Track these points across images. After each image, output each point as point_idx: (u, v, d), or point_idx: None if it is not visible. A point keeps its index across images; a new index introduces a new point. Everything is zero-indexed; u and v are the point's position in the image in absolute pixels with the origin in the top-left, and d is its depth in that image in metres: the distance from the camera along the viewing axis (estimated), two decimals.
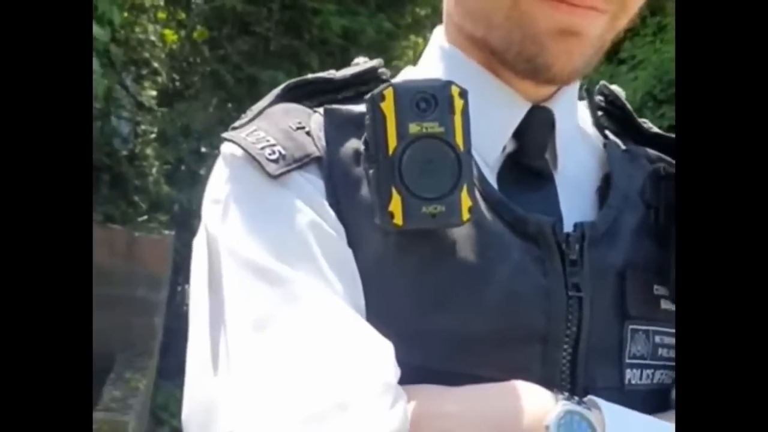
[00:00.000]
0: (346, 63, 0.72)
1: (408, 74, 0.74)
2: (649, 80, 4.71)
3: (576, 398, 0.60)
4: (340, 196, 0.64)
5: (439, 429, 0.58)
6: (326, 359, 0.57)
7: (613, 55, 5.46)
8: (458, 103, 0.62)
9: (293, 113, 0.67)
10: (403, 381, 0.59)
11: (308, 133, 0.65)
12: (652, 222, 0.69)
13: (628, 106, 0.77)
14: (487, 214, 0.65)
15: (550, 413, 0.58)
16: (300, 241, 0.61)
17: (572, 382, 0.64)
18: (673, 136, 0.73)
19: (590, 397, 0.61)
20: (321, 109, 0.68)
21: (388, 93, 0.61)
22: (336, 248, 0.62)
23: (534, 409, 0.58)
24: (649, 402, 0.67)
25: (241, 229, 0.61)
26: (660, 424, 0.62)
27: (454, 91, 0.62)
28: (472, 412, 0.59)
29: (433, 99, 0.61)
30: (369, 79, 0.69)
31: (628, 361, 0.66)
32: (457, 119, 0.61)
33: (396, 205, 0.60)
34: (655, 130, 0.78)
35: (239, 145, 0.64)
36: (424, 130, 0.61)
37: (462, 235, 0.63)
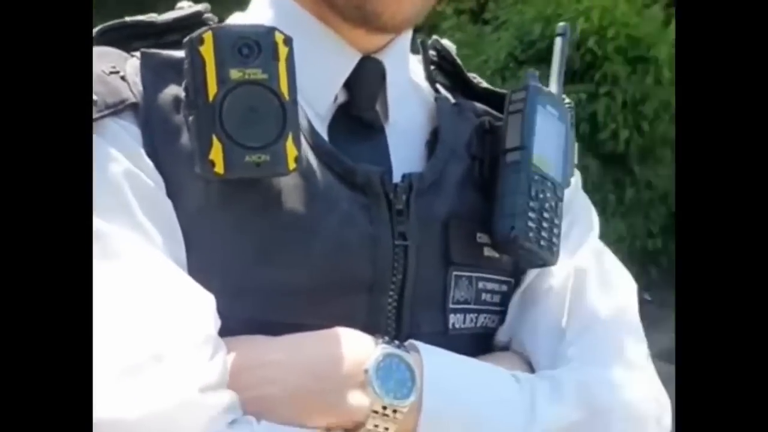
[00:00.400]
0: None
1: (236, 20, 0.72)
2: (512, 41, 4.81)
3: (396, 342, 0.61)
4: (158, 144, 0.61)
5: (259, 378, 0.58)
6: (143, 312, 0.56)
7: (477, 15, 5.56)
8: (282, 50, 0.60)
9: (107, 57, 0.63)
10: (230, 333, 0.59)
11: (123, 78, 0.62)
12: (476, 174, 0.71)
13: (458, 60, 0.79)
14: (315, 164, 0.64)
15: (370, 357, 0.59)
16: (115, 193, 0.59)
17: (397, 329, 0.65)
18: (502, 91, 0.76)
19: (411, 341, 0.62)
20: (137, 54, 0.65)
21: (208, 37, 0.59)
22: (154, 199, 0.60)
23: (354, 354, 0.59)
24: (473, 345, 0.69)
25: None
26: (476, 363, 0.64)
27: (278, 37, 0.60)
28: (292, 360, 0.59)
29: (256, 45, 0.59)
30: (193, 23, 0.66)
31: (451, 306, 0.68)
32: (282, 66, 0.60)
33: (217, 153, 0.59)
34: (485, 85, 0.79)
35: None
36: (246, 77, 0.59)
37: (289, 185, 0.63)
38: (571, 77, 4.88)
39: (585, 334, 0.68)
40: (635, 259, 4.97)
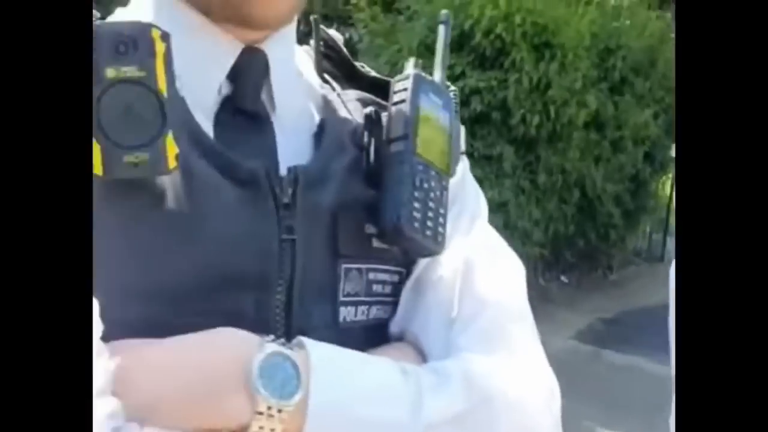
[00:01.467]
0: None
1: (118, 16, 0.70)
2: (424, 30, 4.85)
3: (282, 340, 0.61)
4: None
5: (143, 383, 0.57)
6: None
7: (390, 5, 5.58)
8: (159, 47, 0.59)
9: None
10: (122, 335, 0.58)
11: None
12: (363, 164, 0.71)
13: (345, 50, 0.79)
14: (198, 161, 0.63)
15: (254, 357, 0.58)
16: None
17: (287, 324, 0.64)
18: (389, 79, 0.75)
19: (298, 338, 0.62)
20: None
21: None
22: None
23: (238, 354, 0.58)
24: (366, 337, 0.69)
25: None
26: (363, 357, 0.64)
27: (155, 33, 0.59)
28: (175, 363, 0.58)
29: (132, 42, 0.58)
30: None
31: (342, 299, 0.68)
32: (159, 63, 0.59)
33: (95, 153, 0.57)
34: (373, 74, 0.79)
35: None
36: (122, 75, 0.58)
37: (171, 183, 0.62)
38: (481, 64, 4.96)
39: (472, 322, 0.68)
40: (551, 243, 5.08)
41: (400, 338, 0.72)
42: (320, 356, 0.60)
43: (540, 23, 4.78)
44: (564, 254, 4.58)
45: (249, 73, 0.68)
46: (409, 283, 0.72)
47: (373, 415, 0.60)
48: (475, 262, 0.72)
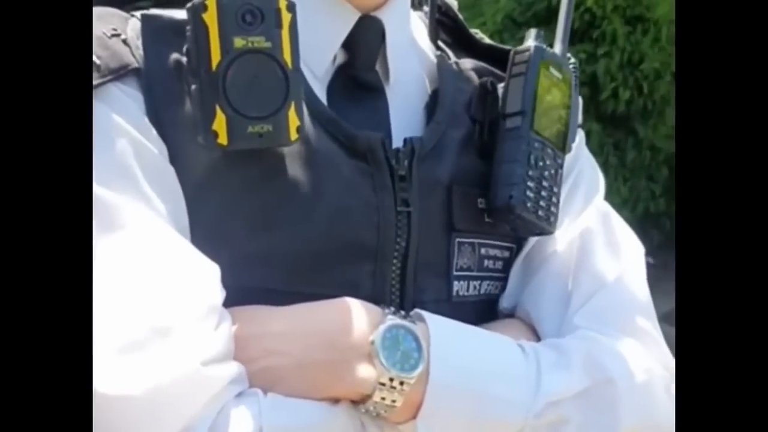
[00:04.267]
0: None
1: None
2: (510, 3, 4.77)
3: (402, 312, 0.60)
4: (161, 111, 0.60)
5: (265, 349, 0.58)
6: (146, 284, 0.55)
7: None
8: (286, 17, 0.59)
9: (107, 18, 0.62)
10: (235, 302, 0.58)
11: (125, 42, 0.61)
12: (476, 137, 0.70)
13: (460, 16, 0.77)
14: (316, 131, 0.63)
15: (376, 328, 0.58)
16: (118, 161, 0.58)
17: (401, 296, 0.64)
18: (506, 47, 0.74)
19: (416, 310, 0.62)
20: (138, 15, 0.63)
21: (211, 3, 0.57)
22: (157, 167, 0.59)
23: (360, 325, 0.58)
24: (477, 312, 0.69)
25: None
26: (482, 333, 0.64)
27: (282, 3, 0.59)
28: (298, 331, 0.59)
29: (259, 12, 0.58)
30: None
31: (455, 273, 0.67)
32: (285, 34, 0.59)
33: (220, 123, 0.58)
34: (488, 41, 0.78)
35: None
36: (249, 45, 0.58)
37: (290, 153, 0.62)
38: (570, 38, 4.83)
39: (591, 300, 0.67)
40: (638, 222, 4.97)
41: (510, 314, 0.71)
42: (441, 331, 0.60)
43: None
44: (651, 235, 4.48)
45: (365, 41, 0.68)
46: (520, 258, 0.71)
47: (493, 391, 0.60)
48: (593, 236, 0.70)
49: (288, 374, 0.57)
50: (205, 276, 0.57)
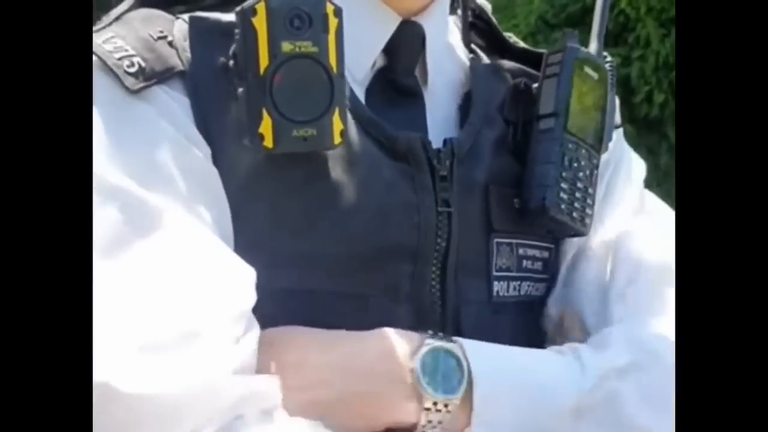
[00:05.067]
0: None
1: None
2: (543, 5, 4.75)
3: (440, 334, 0.61)
4: (206, 113, 0.61)
5: (308, 379, 0.58)
6: (179, 285, 0.55)
7: None
8: (333, 22, 0.60)
9: (155, 21, 0.63)
10: (276, 304, 0.59)
11: (171, 44, 0.62)
12: (510, 138, 0.70)
13: (494, 20, 0.77)
14: (358, 133, 0.64)
15: (416, 355, 0.58)
16: (162, 164, 0.58)
17: (443, 298, 0.64)
18: (540, 51, 0.74)
19: (454, 339, 0.62)
20: (185, 17, 0.64)
21: (260, 8, 0.58)
22: (201, 169, 0.60)
23: (400, 352, 0.59)
24: (518, 313, 0.69)
25: (98, 151, 0.57)
26: (514, 347, 0.63)
27: (329, 8, 0.59)
28: (339, 361, 0.59)
29: (307, 17, 0.59)
30: None
31: (495, 273, 0.67)
32: (331, 39, 0.60)
33: (266, 127, 0.58)
34: (522, 45, 0.78)
35: (95, 54, 0.59)
36: (297, 50, 0.58)
37: (333, 155, 0.62)
38: (604, 41, 4.80)
39: (629, 288, 0.68)
40: None
41: (559, 317, 0.71)
42: (475, 347, 0.61)
43: None
44: None
45: (406, 47, 0.68)
46: (566, 262, 0.72)
47: (540, 380, 0.61)
48: (630, 230, 0.70)
49: (333, 406, 0.57)
50: (239, 279, 0.57)
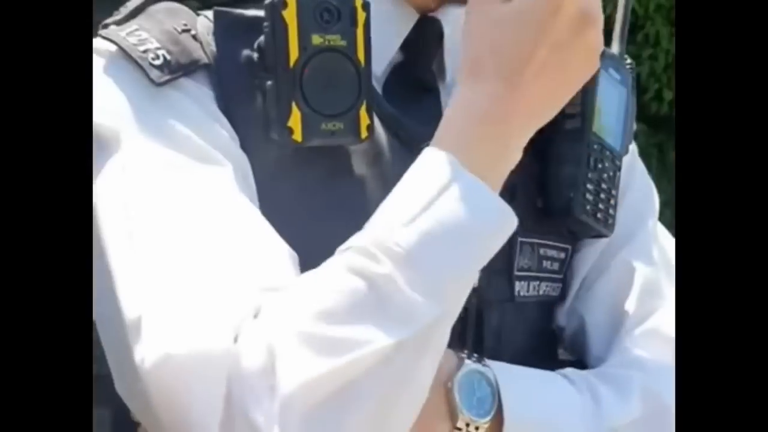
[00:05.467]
0: None
1: None
2: None
3: (475, 356, 0.61)
4: (231, 106, 0.61)
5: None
6: (218, 260, 0.55)
7: None
8: (361, 16, 0.60)
9: (179, 14, 0.63)
10: None
11: (195, 38, 0.62)
12: (533, 137, 0.69)
13: None
14: (380, 129, 0.64)
15: (455, 375, 0.59)
16: (199, 144, 0.58)
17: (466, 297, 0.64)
18: None
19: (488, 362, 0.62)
20: (207, 12, 0.64)
21: (291, 1, 0.58)
22: (235, 153, 0.60)
23: (441, 372, 0.58)
24: (539, 313, 0.69)
25: (135, 139, 0.58)
26: (539, 373, 0.64)
27: (358, 2, 0.60)
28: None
29: (336, 10, 0.59)
30: None
31: (517, 273, 0.67)
32: (359, 33, 0.60)
33: (296, 120, 0.59)
34: None
35: (119, 46, 0.59)
36: (327, 43, 0.59)
37: (356, 150, 0.62)
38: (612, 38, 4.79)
39: (645, 323, 0.68)
40: None
41: (569, 326, 0.72)
42: (508, 375, 0.61)
43: None
44: None
45: (423, 42, 0.68)
46: (583, 272, 0.72)
47: (559, 427, 0.62)
48: (651, 261, 0.71)
49: None
50: (279, 260, 0.57)
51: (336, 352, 0.50)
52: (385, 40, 0.67)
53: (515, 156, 0.58)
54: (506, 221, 0.57)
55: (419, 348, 0.52)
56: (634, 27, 4.55)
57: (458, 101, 0.58)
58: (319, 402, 0.50)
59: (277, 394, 0.50)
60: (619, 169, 0.70)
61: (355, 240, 0.54)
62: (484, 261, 0.56)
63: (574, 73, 0.59)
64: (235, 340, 0.51)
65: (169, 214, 0.56)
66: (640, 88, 4.50)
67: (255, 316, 0.52)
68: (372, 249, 0.52)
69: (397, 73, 0.68)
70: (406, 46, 0.68)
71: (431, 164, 0.55)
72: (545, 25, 0.56)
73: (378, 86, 0.67)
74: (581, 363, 0.70)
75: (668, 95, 4.45)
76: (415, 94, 0.68)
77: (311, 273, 0.55)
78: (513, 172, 0.66)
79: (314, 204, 0.61)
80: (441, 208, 0.53)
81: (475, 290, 0.64)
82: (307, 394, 0.50)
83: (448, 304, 0.53)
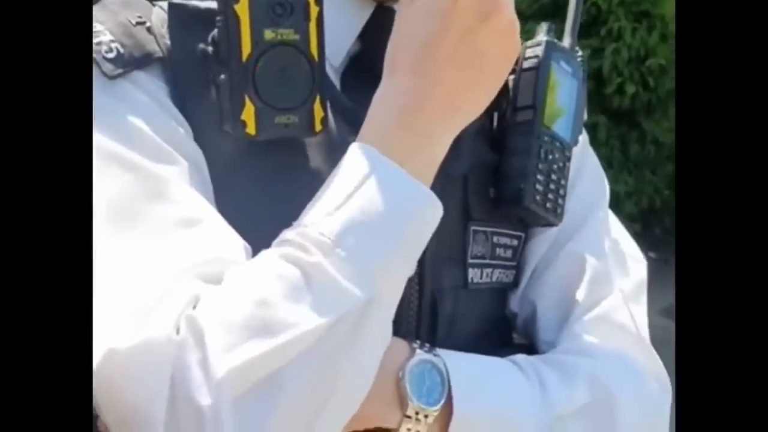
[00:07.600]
0: None
1: None
2: None
3: (427, 346, 0.62)
4: (186, 99, 0.61)
5: None
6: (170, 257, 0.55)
7: None
8: (314, 10, 0.60)
9: (133, 5, 0.63)
10: None
11: (149, 30, 0.62)
12: (487, 128, 0.70)
13: None
14: (336, 121, 0.64)
15: (405, 363, 0.60)
16: (152, 138, 0.59)
17: (420, 283, 0.65)
18: None
19: (439, 351, 0.63)
20: (163, 3, 0.64)
21: None
22: (188, 147, 0.60)
23: (391, 361, 0.59)
24: (491, 300, 0.71)
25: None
26: (487, 360, 0.65)
27: None
28: None
29: (289, 4, 0.59)
30: None
31: (470, 261, 0.68)
32: (312, 27, 0.60)
33: (249, 114, 0.59)
34: None
35: None
36: (279, 37, 0.59)
37: (311, 142, 0.63)
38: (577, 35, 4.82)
39: (593, 311, 0.69)
40: (641, 217, 4.98)
41: (521, 312, 0.73)
42: (458, 363, 0.63)
43: None
44: (653, 229, 4.50)
45: (380, 33, 0.67)
46: (534, 261, 0.73)
47: (507, 414, 0.63)
48: (601, 250, 0.72)
49: None
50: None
51: (268, 335, 0.51)
52: (341, 31, 0.67)
53: (442, 145, 0.59)
54: (429, 206, 0.58)
55: (351, 331, 0.53)
56: (597, 21, 4.60)
57: (377, 98, 0.59)
58: (251, 386, 0.51)
59: (211, 381, 0.50)
60: (569, 160, 0.71)
61: (287, 232, 0.55)
62: (416, 247, 0.57)
63: (492, 60, 0.59)
64: (177, 331, 0.52)
65: (111, 212, 0.56)
66: (601, 82, 4.57)
67: (194, 307, 0.53)
68: (301, 240, 0.54)
69: (355, 63, 0.68)
70: (364, 36, 0.68)
71: (354, 157, 0.57)
72: (448, 15, 0.57)
73: (336, 77, 0.67)
74: (534, 347, 0.71)
75: (630, 89, 4.51)
76: (373, 85, 0.68)
77: (247, 263, 0.56)
78: (466, 161, 0.68)
79: (270, 196, 0.62)
80: (362, 196, 0.55)
81: (429, 277, 0.65)
82: (238, 379, 0.51)
83: (380, 290, 0.54)
